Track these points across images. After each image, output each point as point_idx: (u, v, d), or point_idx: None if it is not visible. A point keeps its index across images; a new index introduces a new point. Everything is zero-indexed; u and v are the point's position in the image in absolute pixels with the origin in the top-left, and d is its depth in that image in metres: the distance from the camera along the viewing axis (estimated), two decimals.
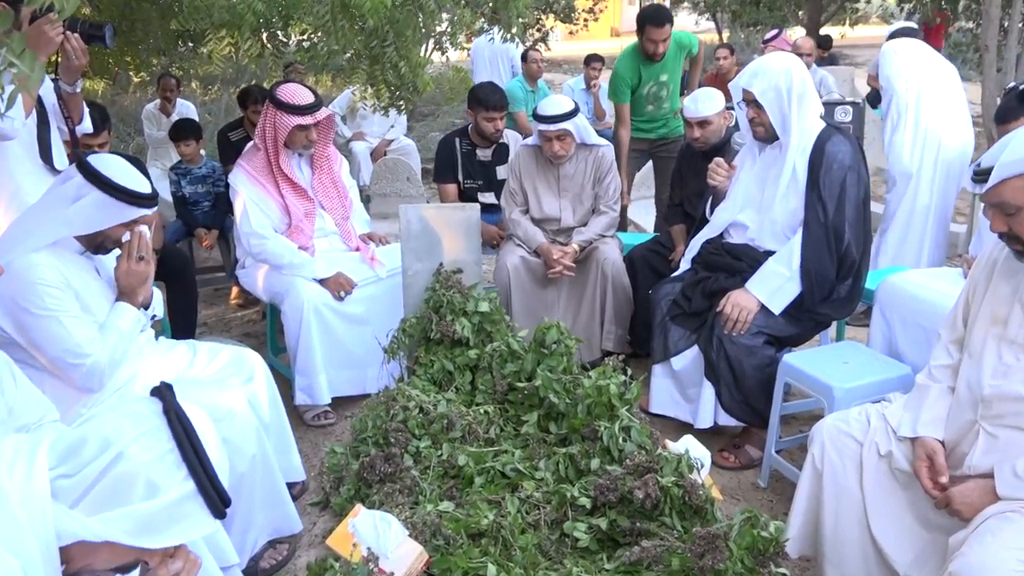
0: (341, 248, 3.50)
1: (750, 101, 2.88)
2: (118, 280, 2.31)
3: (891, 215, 4.17)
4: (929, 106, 4.07)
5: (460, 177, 4.18)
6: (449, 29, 4.02)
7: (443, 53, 4.50)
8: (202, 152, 4.72)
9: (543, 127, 3.56)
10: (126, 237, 2.27)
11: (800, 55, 5.82)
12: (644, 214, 5.82)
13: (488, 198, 4.18)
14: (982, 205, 1.81)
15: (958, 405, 1.92)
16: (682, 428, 2.97)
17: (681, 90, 4.86)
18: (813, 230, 2.77)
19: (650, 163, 4.97)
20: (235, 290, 4.74)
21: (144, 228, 2.31)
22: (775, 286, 2.81)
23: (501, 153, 4.20)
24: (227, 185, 3.66)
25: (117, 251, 2.32)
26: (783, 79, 2.80)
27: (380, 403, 2.71)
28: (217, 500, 1.27)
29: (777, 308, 2.80)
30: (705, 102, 3.55)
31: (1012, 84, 3.84)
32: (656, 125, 4.75)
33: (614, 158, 3.77)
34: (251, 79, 10.90)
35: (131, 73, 8.63)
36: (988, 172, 1.78)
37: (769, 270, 2.82)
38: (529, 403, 2.64)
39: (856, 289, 2.87)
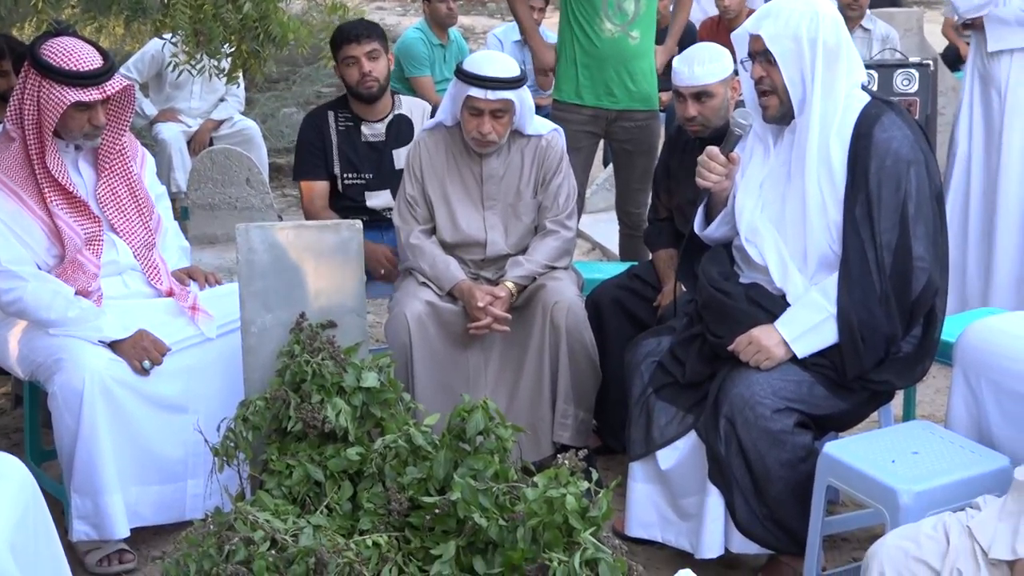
0: (144, 292, 3.51)
1: (758, 53, 3.04)
2: None
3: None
4: None
5: (337, 169, 4.25)
6: None
7: None
8: None
9: (476, 91, 3.56)
10: None
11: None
12: (606, 230, 5.90)
13: (381, 198, 4.25)
14: None
15: None
16: (677, 559, 3.03)
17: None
18: (854, 259, 2.92)
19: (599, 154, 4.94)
20: None
21: None
22: (808, 322, 2.95)
23: (400, 130, 4.27)
24: None
25: None
26: (805, 25, 2.97)
27: (208, 535, 2.71)
28: None
29: (802, 351, 2.94)
30: (705, 64, 3.67)
31: None
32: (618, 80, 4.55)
33: (565, 150, 3.86)
34: None
35: None
36: None
37: (808, 300, 2.97)
38: (443, 528, 2.68)
39: (929, 342, 3.02)
